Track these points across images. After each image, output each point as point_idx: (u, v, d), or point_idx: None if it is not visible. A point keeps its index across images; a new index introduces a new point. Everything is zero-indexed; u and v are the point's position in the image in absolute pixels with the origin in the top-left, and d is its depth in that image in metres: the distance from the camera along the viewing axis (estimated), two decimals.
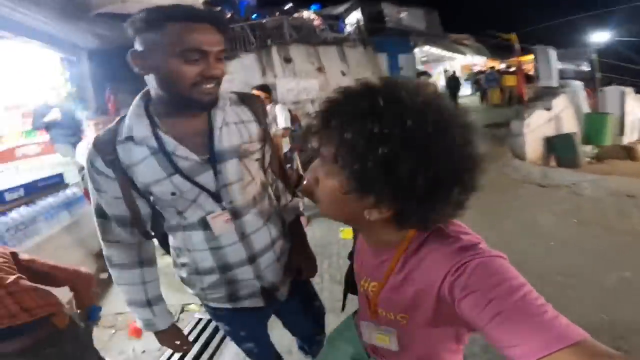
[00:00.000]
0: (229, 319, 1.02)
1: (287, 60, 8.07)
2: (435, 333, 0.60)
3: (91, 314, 1.38)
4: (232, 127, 0.85)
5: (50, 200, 2.68)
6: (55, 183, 2.89)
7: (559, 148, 5.79)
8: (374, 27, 12.88)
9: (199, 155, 0.79)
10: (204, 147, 0.81)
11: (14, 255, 1.33)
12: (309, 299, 1.13)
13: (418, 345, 0.64)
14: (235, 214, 0.85)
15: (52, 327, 1.20)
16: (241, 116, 0.88)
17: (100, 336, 2.30)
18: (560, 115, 6.32)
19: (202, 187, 0.80)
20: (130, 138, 0.77)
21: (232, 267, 0.87)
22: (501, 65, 13.52)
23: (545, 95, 6.62)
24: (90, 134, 2.75)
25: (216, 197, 0.82)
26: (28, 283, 1.22)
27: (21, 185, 2.51)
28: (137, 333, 2.15)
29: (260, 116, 0.91)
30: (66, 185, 2.97)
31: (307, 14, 14.24)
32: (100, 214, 0.83)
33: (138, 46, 0.73)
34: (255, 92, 2.98)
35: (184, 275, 0.93)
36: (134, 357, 2.07)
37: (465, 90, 14.28)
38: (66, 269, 1.35)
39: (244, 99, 0.91)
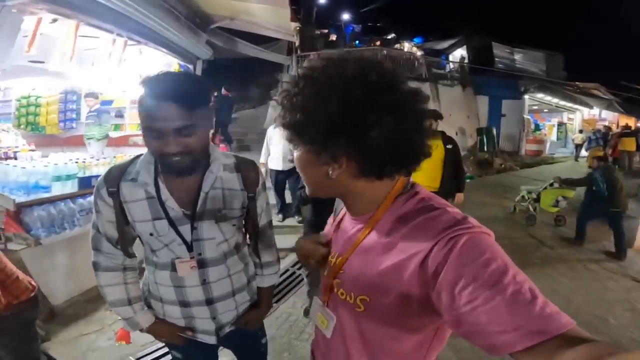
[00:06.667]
0: (183, 347, 1.07)
1: None
2: (391, 332, 0.57)
3: None
4: (218, 193, 0.95)
5: None
6: None
7: None
8: (478, 67, 11.89)
9: (182, 210, 0.92)
10: (190, 204, 0.92)
11: None
12: (254, 334, 1.20)
13: (364, 345, 0.61)
14: (201, 264, 0.96)
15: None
16: (229, 184, 0.97)
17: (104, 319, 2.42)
18: None
19: (180, 235, 0.93)
20: (135, 180, 0.90)
21: (190, 304, 0.99)
22: None
23: None
24: None
25: (189, 246, 0.94)
26: None
27: None
28: (126, 338, 2.19)
29: (251, 185, 1.00)
30: None
31: (409, 46, 14.08)
32: (96, 228, 0.96)
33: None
34: None
35: (149, 299, 1.05)
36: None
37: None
38: None
39: (239, 166, 1.01)
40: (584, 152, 11.18)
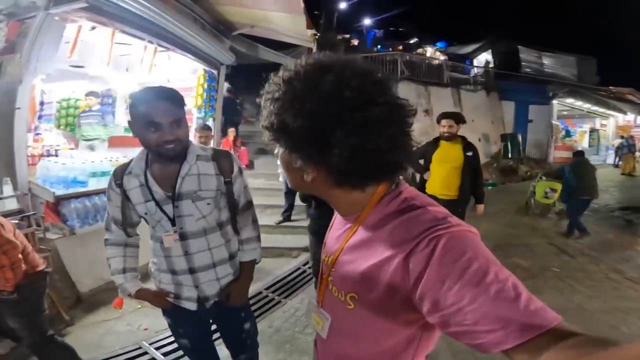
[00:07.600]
0: (171, 313, 1.28)
1: None
2: (380, 328, 0.58)
3: None
4: (193, 177, 1.16)
5: None
6: None
7: None
8: (504, 72, 11.53)
9: (165, 192, 1.15)
10: (171, 188, 1.15)
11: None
12: (237, 313, 1.35)
13: (356, 342, 0.62)
14: (183, 236, 1.17)
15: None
16: (204, 170, 1.18)
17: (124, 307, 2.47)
18: None
19: (165, 213, 1.15)
20: (131, 172, 1.17)
21: (177, 272, 1.20)
22: None
23: None
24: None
25: (172, 222, 1.16)
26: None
27: None
28: (119, 305, 2.35)
29: (225, 171, 1.21)
30: None
31: (431, 50, 13.88)
32: (107, 213, 1.24)
33: (130, 118, 1.09)
34: None
35: (152, 269, 1.28)
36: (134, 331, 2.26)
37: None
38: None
39: (215, 156, 1.22)
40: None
